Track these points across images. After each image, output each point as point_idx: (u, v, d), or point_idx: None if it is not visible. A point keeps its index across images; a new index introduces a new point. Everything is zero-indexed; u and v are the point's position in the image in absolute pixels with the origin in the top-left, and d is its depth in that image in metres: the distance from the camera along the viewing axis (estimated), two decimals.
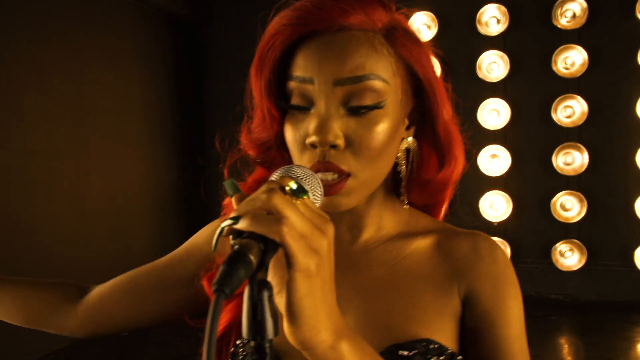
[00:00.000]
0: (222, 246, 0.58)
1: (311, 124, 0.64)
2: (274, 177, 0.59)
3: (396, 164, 0.73)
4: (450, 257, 0.73)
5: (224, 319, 0.76)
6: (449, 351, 0.68)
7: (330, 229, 0.53)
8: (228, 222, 0.51)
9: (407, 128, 0.73)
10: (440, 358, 0.67)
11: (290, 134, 0.67)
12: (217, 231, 0.53)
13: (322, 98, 0.64)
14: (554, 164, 4.03)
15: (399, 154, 0.73)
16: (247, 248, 0.47)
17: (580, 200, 3.98)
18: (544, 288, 4.12)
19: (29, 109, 3.26)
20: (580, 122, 3.95)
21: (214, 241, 0.55)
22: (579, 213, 3.98)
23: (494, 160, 4.14)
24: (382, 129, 0.65)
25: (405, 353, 0.66)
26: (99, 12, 3.84)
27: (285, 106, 0.68)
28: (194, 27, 4.95)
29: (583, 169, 3.95)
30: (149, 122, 4.41)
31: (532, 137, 4.22)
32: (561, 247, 4.02)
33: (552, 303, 4.09)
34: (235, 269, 0.45)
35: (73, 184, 3.60)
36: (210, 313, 0.42)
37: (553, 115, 4.01)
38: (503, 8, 4.09)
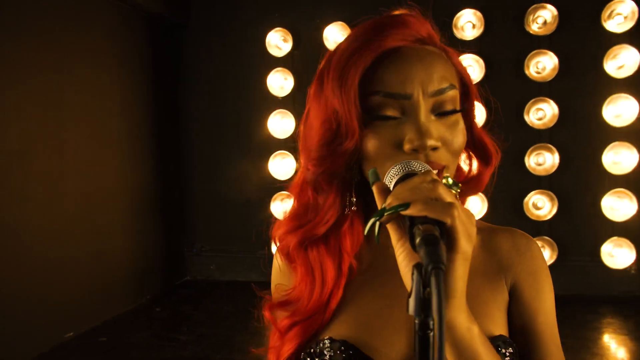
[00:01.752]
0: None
1: (409, 131, 0.69)
2: (392, 172, 0.65)
3: None
4: (496, 252, 0.80)
5: (286, 347, 0.79)
6: (514, 344, 0.74)
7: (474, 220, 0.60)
8: (392, 209, 0.57)
9: None
10: (509, 349, 0.73)
11: (377, 142, 0.70)
12: (374, 219, 0.59)
13: (421, 108, 0.69)
14: (527, 165, 4.18)
15: None
16: (432, 230, 0.53)
17: (552, 199, 4.15)
18: None
19: (3, 108, 3.17)
20: (552, 124, 4.11)
21: (372, 227, 0.60)
22: (550, 211, 4.15)
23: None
24: (462, 128, 0.73)
25: None
26: (76, 10, 3.76)
27: (373, 117, 0.71)
28: (172, 27, 4.90)
29: (554, 169, 4.11)
30: (127, 122, 4.34)
31: (505, 138, 4.36)
32: None
33: None
34: (438, 249, 0.50)
35: (49, 184, 3.52)
36: (435, 288, 0.47)
37: (526, 118, 4.16)
38: (478, 13, 4.22)
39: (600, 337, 3.61)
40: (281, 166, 4.65)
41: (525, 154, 4.17)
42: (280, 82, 4.66)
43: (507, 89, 4.29)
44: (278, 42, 4.67)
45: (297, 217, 0.82)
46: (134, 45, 4.43)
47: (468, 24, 4.25)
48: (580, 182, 4.20)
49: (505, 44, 4.27)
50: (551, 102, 4.11)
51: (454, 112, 0.72)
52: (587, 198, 4.16)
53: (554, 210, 4.13)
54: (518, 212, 4.21)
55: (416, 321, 0.52)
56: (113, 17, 4.16)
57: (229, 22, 4.83)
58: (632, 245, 4.01)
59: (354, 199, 0.78)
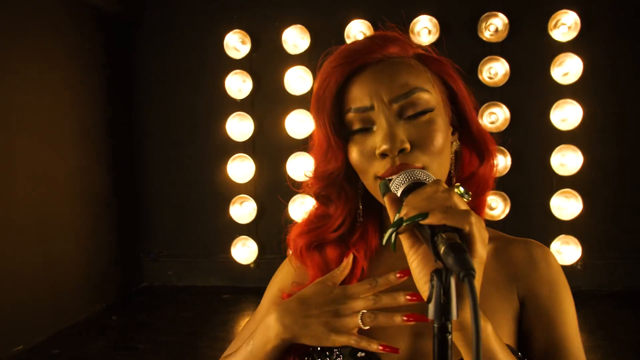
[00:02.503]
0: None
1: (377, 138, 0.74)
2: (397, 181, 0.69)
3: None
4: (508, 262, 0.83)
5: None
6: (519, 354, 0.76)
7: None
8: (410, 219, 0.58)
9: (452, 134, 0.83)
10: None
11: (356, 154, 0.77)
12: (392, 229, 0.60)
13: (382, 116, 0.75)
14: None
15: (452, 156, 0.82)
16: (455, 238, 0.55)
17: (504, 200, 4.32)
18: None
19: None
20: (504, 128, 4.28)
21: (390, 237, 0.62)
22: (504, 211, 4.32)
23: None
24: (438, 126, 0.76)
25: None
26: (23, 8, 3.59)
27: (350, 133, 0.78)
28: (125, 26, 4.76)
29: (506, 171, 4.28)
30: (79, 123, 4.18)
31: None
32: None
33: None
34: (464, 254, 0.52)
35: None
36: (470, 294, 0.49)
37: (480, 121, 4.31)
38: (434, 20, 4.34)
39: None
40: (240, 169, 4.61)
41: None
42: (238, 85, 4.62)
43: None
44: (236, 44, 4.63)
45: (309, 222, 0.87)
46: (85, 44, 4.28)
47: (424, 29, 4.37)
48: (531, 183, 4.39)
49: (459, 49, 4.41)
50: (503, 106, 4.28)
51: (422, 112, 0.75)
52: (537, 198, 4.36)
53: (507, 210, 4.30)
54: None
55: (435, 325, 0.55)
56: (63, 14, 4.00)
57: (186, 22, 4.75)
58: (578, 243, 4.23)
59: (361, 210, 0.84)
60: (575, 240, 4.24)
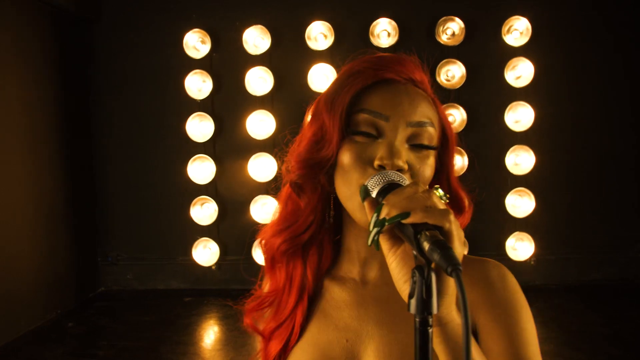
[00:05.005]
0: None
1: (381, 149, 0.76)
2: (371, 182, 0.71)
3: None
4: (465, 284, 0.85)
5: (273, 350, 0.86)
6: None
7: None
8: (393, 218, 0.61)
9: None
10: None
11: (352, 155, 0.78)
12: (376, 230, 0.62)
13: (395, 132, 0.77)
14: None
15: None
16: (438, 235, 0.58)
17: None
18: None
19: None
20: (461, 129, 4.41)
21: (374, 238, 0.63)
22: None
23: None
24: (432, 164, 0.79)
25: None
26: None
27: (352, 132, 0.79)
28: (80, 23, 4.62)
29: (464, 171, 4.40)
30: (31, 123, 4.03)
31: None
32: None
33: None
34: (450, 251, 0.55)
35: None
36: (459, 286, 0.51)
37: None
38: (393, 23, 4.42)
39: None
40: (200, 170, 4.56)
41: None
42: (198, 85, 4.56)
43: None
44: (196, 43, 4.57)
45: (281, 222, 0.87)
46: (36, 41, 4.12)
47: (384, 32, 4.45)
48: (487, 182, 4.54)
49: (418, 52, 4.49)
50: (460, 108, 4.41)
51: (428, 147, 0.78)
52: (493, 197, 4.51)
53: None
54: None
55: (417, 319, 0.58)
56: (11, 9, 3.84)
57: (144, 20, 4.66)
58: (531, 239, 4.41)
59: (333, 212, 0.85)
60: (529, 237, 4.42)
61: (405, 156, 0.75)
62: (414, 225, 0.60)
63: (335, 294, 0.86)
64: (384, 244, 0.65)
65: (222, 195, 4.65)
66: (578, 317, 3.89)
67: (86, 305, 4.43)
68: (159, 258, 4.75)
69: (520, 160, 4.41)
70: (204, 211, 4.61)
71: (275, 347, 0.85)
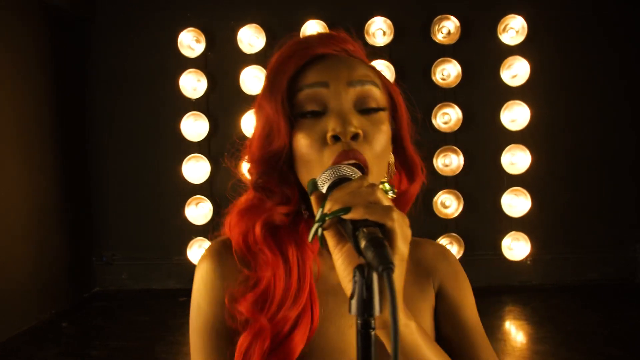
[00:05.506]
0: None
1: (331, 121, 0.73)
2: (323, 177, 0.67)
3: None
4: (421, 261, 0.87)
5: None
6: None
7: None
8: (333, 213, 0.59)
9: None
10: None
11: (305, 138, 0.74)
12: (317, 225, 0.61)
13: (338, 97, 0.74)
14: (435, 166, 4.43)
15: (387, 167, 0.81)
16: (376, 233, 0.55)
17: (458, 198, 4.43)
18: None
19: None
20: (456, 128, 4.40)
21: (315, 233, 0.62)
22: (457, 209, 4.43)
23: None
24: (385, 129, 0.76)
25: None
26: None
27: (299, 115, 0.75)
28: (75, 21, 4.59)
29: (459, 170, 4.40)
30: (24, 122, 4.01)
31: (414, 141, 4.60)
32: (442, 240, 4.43)
33: None
34: (384, 249, 0.52)
35: None
36: (389, 287, 0.49)
37: (433, 122, 4.41)
38: (389, 21, 4.41)
39: (503, 323, 3.92)
40: (195, 170, 4.54)
41: (433, 155, 4.41)
42: (193, 84, 4.55)
43: (416, 94, 4.46)
44: (191, 42, 4.55)
45: (251, 199, 0.81)
46: (30, 39, 4.09)
47: (379, 31, 4.43)
48: (483, 182, 4.52)
49: (413, 51, 4.50)
50: (456, 107, 4.39)
51: (377, 109, 0.76)
52: (489, 196, 4.49)
53: (460, 209, 4.41)
54: (428, 211, 4.44)
55: (359, 321, 0.55)
56: (4, 6, 3.81)
57: (139, 19, 4.64)
58: (527, 239, 4.40)
59: (306, 212, 0.78)
60: (525, 236, 4.41)
61: (356, 122, 0.72)
62: (353, 221, 0.58)
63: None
64: (330, 240, 0.63)
65: (216, 194, 4.64)
66: (573, 318, 3.87)
67: (81, 305, 4.41)
68: (154, 258, 4.74)
69: (516, 160, 4.39)
70: (199, 210, 4.59)
71: (300, 336, 0.73)
